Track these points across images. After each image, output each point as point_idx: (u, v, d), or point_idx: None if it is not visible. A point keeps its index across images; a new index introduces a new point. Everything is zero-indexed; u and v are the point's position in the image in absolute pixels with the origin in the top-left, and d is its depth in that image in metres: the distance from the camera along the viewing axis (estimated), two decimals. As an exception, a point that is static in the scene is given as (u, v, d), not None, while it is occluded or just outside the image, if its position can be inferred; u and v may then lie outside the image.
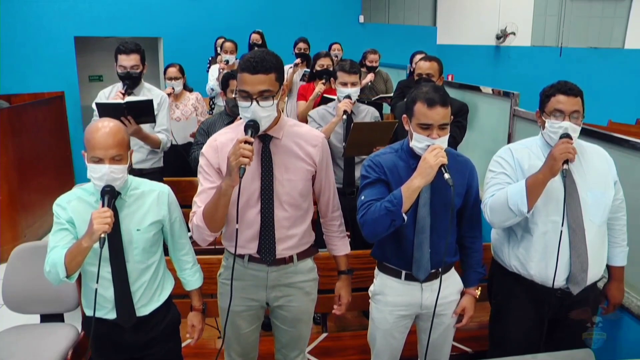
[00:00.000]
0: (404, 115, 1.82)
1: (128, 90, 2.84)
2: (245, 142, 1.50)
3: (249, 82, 1.56)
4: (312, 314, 1.95)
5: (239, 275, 1.78)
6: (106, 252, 1.65)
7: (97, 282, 1.61)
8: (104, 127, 1.63)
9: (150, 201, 1.77)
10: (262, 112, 1.58)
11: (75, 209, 1.69)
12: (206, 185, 1.70)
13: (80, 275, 1.74)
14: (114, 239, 1.67)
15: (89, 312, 1.74)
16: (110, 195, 1.61)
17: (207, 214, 1.64)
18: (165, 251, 1.93)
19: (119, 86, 2.90)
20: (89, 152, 1.63)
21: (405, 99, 3.17)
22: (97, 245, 1.54)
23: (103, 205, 1.59)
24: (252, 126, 1.57)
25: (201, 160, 1.73)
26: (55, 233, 1.68)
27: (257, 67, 1.55)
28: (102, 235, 1.52)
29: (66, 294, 2.37)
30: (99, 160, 1.61)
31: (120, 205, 1.71)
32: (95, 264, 1.60)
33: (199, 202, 1.69)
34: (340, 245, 1.96)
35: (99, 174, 1.61)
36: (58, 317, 2.43)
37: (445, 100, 1.71)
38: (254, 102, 1.56)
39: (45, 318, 2.43)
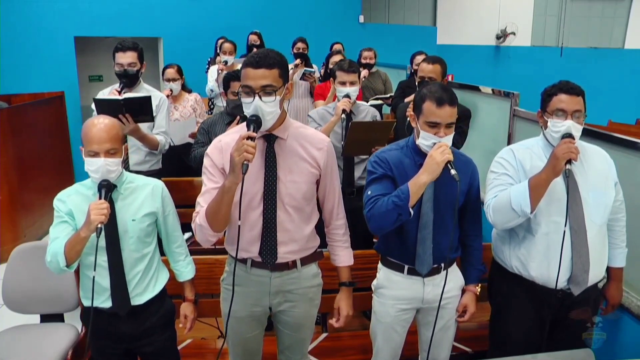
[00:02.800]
0: (412, 113, 1.84)
1: (125, 89, 2.83)
2: (248, 137, 1.49)
3: (252, 76, 1.56)
4: (314, 318, 1.94)
5: (242, 282, 1.77)
6: (103, 242, 1.75)
7: (94, 270, 1.70)
8: (99, 124, 1.75)
9: (145, 194, 1.87)
10: (265, 107, 1.56)
11: (74, 202, 1.80)
12: (210, 185, 1.70)
13: (78, 270, 1.82)
14: (110, 228, 1.76)
15: (86, 303, 1.82)
16: (107, 189, 1.72)
17: (210, 213, 1.63)
18: (161, 252, 1.99)
19: (117, 86, 2.89)
20: (85, 146, 1.74)
21: (405, 100, 3.18)
22: (94, 235, 1.64)
23: (100, 198, 1.70)
24: (254, 121, 1.56)
25: (205, 161, 1.72)
26: (55, 226, 1.79)
27: (260, 62, 1.56)
28: (99, 226, 1.63)
29: (66, 294, 2.37)
30: (95, 154, 1.72)
31: (116, 197, 1.81)
32: (92, 254, 1.71)
33: (203, 203, 1.69)
34: (342, 256, 1.91)
35: (95, 166, 1.72)
36: (58, 317, 2.43)
37: (453, 100, 1.75)
38: (257, 97, 1.56)
39: (45, 318, 2.43)
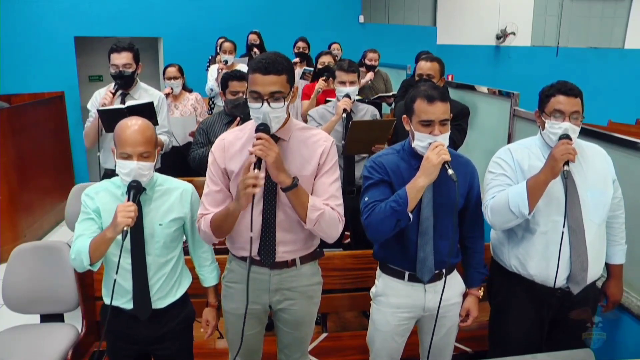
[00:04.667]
0: (404, 116, 1.83)
1: (120, 90, 2.83)
2: (255, 163, 1.53)
3: (260, 82, 1.57)
4: (314, 316, 1.94)
5: (242, 279, 1.77)
6: (128, 244, 1.73)
7: (116, 273, 1.66)
8: (134, 125, 1.72)
9: (174, 198, 1.84)
10: (273, 113, 1.58)
11: (102, 199, 1.78)
12: (212, 187, 1.73)
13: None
14: (137, 231, 1.73)
15: (108, 301, 1.78)
16: (136, 190, 1.68)
17: (215, 225, 1.68)
18: (185, 252, 1.98)
19: (112, 87, 2.89)
20: (118, 148, 1.71)
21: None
22: (120, 236, 1.62)
23: (129, 200, 1.66)
24: (262, 130, 1.57)
25: (210, 158, 1.76)
26: (81, 222, 1.77)
27: (269, 68, 1.56)
28: (125, 229, 1.59)
29: (66, 294, 2.37)
30: (128, 157, 1.69)
31: (145, 200, 1.77)
32: (117, 255, 1.67)
33: (206, 204, 1.73)
34: None
35: (127, 169, 1.69)
36: (58, 317, 2.43)
37: (444, 96, 1.73)
38: (265, 103, 1.57)
39: (45, 318, 2.43)
